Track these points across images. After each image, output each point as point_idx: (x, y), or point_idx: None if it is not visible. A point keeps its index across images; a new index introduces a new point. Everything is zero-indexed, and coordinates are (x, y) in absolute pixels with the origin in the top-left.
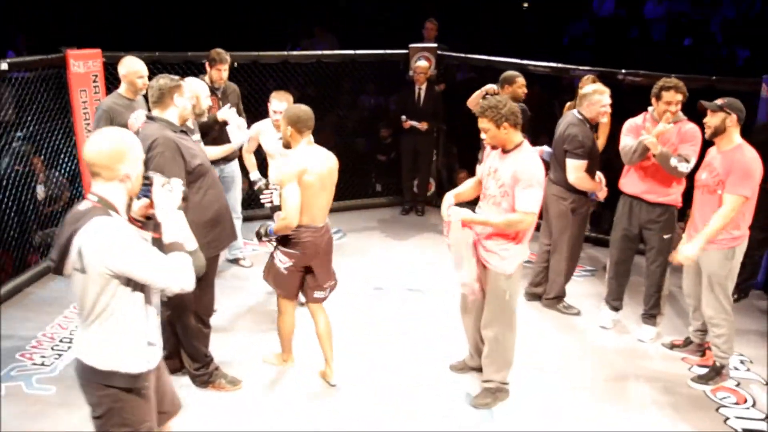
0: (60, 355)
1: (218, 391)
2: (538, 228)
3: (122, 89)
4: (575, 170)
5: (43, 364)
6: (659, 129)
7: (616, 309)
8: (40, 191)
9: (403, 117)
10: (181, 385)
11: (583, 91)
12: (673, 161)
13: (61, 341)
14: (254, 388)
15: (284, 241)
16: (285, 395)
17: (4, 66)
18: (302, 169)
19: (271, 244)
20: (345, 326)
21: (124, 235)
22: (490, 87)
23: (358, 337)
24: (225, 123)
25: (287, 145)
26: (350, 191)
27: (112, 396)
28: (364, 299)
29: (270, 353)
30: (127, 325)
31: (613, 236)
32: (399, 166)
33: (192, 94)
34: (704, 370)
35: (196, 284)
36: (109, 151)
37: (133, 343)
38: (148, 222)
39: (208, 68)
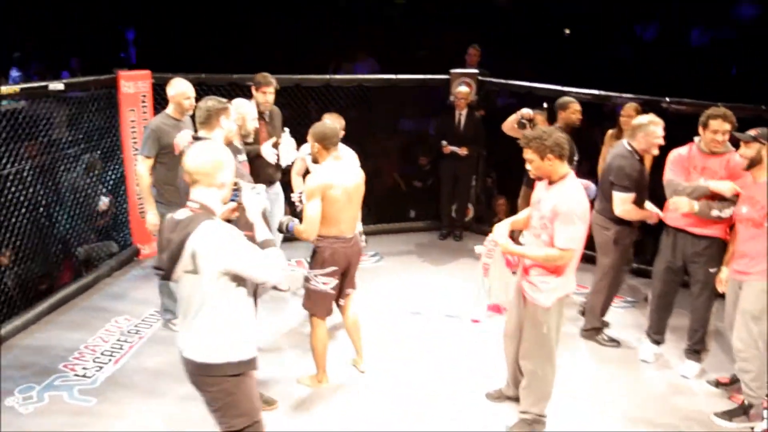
0: (101, 368)
1: None
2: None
3: (170, 110)
4: (621, 203)
5: (84, 376)
6: (718, 188)
7: (658, 343)
8: (104, 202)
9: (444, 142)
10: None
11: (638, 121)
12: (714, 212)
13: (102, 354)
14: (288, 409)
15: (318, 264)
16: (317, 416)
17: (61, 86)
18: (327, 184)
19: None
20: (381, 350)
21: (232, 236)
22: (526, 111)
23: (394, 361)
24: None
25: (315, 161)
26: (388, 215)
27: (227, 388)
28: (401, 323)
29: (305, 375)
30: (236, 317)
31: (656, 268)
32: (437, 191)
33: (238, 116)
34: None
35: None
36: (211, 161)
37: (242, 333)
38: (236, 222)
39: (254, 92)
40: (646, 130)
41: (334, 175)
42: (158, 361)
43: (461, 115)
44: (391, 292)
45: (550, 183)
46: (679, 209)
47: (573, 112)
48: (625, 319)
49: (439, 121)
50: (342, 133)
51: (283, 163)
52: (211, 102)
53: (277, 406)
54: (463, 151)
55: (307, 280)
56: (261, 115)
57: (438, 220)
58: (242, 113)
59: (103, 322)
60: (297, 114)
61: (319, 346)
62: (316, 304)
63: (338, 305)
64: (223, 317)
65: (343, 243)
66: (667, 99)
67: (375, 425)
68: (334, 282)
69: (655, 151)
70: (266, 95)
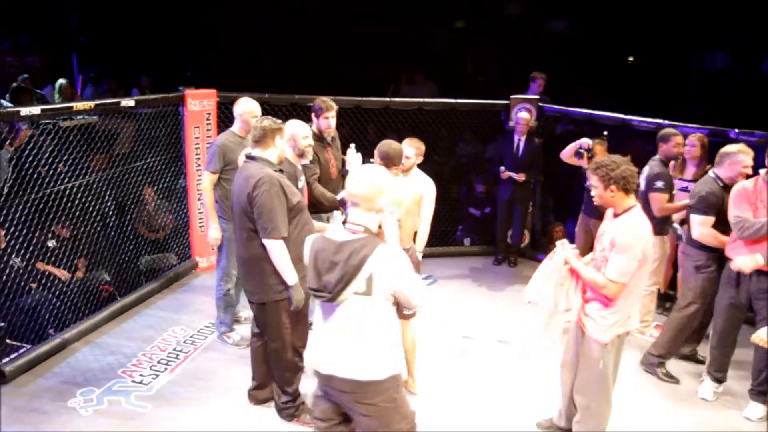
0: (157, 376)
1: (303, 426)
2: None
3: (235, 127)
4: (699, 225)
5: (141, 383)
6: None
7: (720, 381)
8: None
9: (502, 168)
10: (264, 416)
11: (726, 150)
12: None
13: (158, 362)
14: None
15: None
16: None
17: (132, 103)
18: (400, 199)
19: None
20: (432, 373)
21: (406, 261)
22: (585, 141)
23: (444, 385)
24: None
25: None
26: (443, 239)
27: (388, 397)
28: (452, 347)
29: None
30: (393, 335)
31: (718, 304)
32: (493, 216)
33: (288, 136)
34: None
35: (293, 317)
36: (374, 186)
37: (397, 349)
38: None
39: (314, 119)
40: (734, 158)
41: (403, 191)
42: (212, 371)
43: (520, 140)
44: (444, 315)
45: (615, 215)
46: (743, 270)
47: (675, 145)
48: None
49: (498, 146)
50: (419, 159)
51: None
52: (266, 122)
53: None
54: (520, 177)
55: None
56: (324, 140)
57: (492, 245)
58: (292, 133)
59: (160, 332)
60: (355, 135)
61: (407, 347)
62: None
63: (403, 315)
64: (388, 335)
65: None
66: (736, 130)
67: None
68: None
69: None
70: (329, 120)
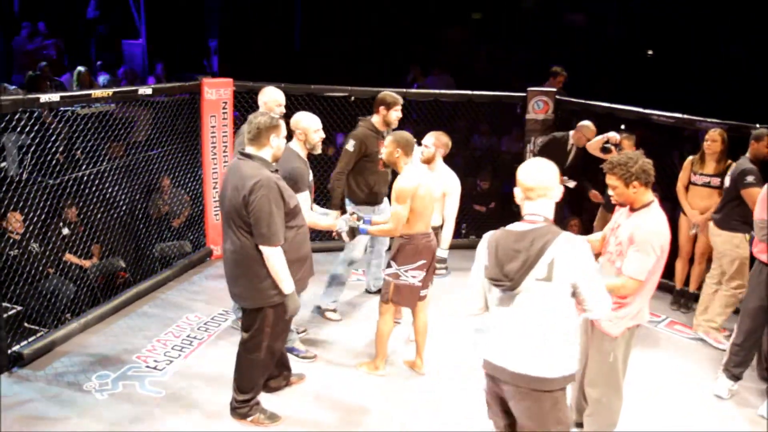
0: (171, 361)
1: (256, 426)
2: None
3: (377, 121)
4: (748, 197)
5: (155, 368)
6: None
7: (737, 378)
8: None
9: (565, 178)
10: (276, 403)
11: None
12: None
13: (173, 348)
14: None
15: (407, 259)
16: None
17: (149, 91)
18: (418, 185)
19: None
20: (442, 366)
21: (589, 255)
22: (613, 135)
23: (455, 378)
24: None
25: (394, 164)
26: (456, 229)
27: (552, 398)
28: (463, 339)
29: (365, 361)
30: (572, 332)
31: (747, 305)
32: (499, 211)
33: (300, 131)
34: None
35: (280, 324)
36: (552, 175)
37: (573, 349)
38: None
39: (384, 111)
40: None
41: (421, 177)
42: (225, 358)
43: (572, 147)
44: (456, 307)
45: (632, 210)
46: None
47: (767, 145)
48: (701, 352)
49: (545, 148)
50: (441, 151)
51: None
52: (261, 118)
53: (280, 422)
54: (573, 183)
55: (395, 276)
56: (380, 133)
57: None
58: (303, 127)
59: (174, 319)
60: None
61: (385, 333)
62: (407, 297)
63: (420, 298)
64: (566, 330)
65: (426, 238)
66: (758, 125)
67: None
68: (422, 274)
69: None
70: (399, 112)
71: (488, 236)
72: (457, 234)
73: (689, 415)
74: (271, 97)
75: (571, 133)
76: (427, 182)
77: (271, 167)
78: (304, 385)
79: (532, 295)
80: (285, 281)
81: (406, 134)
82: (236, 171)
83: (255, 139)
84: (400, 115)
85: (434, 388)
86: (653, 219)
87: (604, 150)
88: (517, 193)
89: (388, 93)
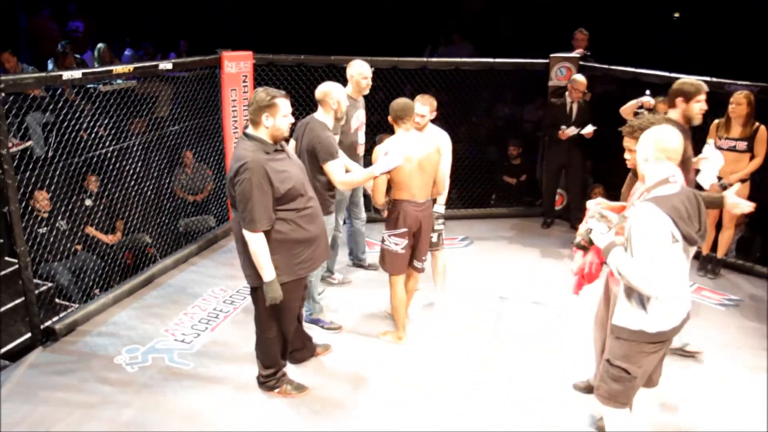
0: (198, 335)
1: (284, 397)
2: None
3: (348, 89)
4: None
5: (183, 341)
6: None
7: None
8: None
9: (563, 127)
10: (300, 374)
11: None
12: None
13: (199, 321)
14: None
15: (391, 225)
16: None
17: (170, 66)
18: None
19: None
20: (466, 335)
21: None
22: (647, 100)
23: (478, 347)
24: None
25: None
26: (479, 201)
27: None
28: (487, 308)
29: (387, 330)
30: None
31: None
32: (529, 184)
33: (333, 100)
34: None
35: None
36: (681, 141)
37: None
38: None
39: (684, 104)
40: None
41: (399, 146)
42: (251, 330)
43: (573, 103)
44: (480, 276)
45: None
46: None
47: None
48: (722, 320)
49: (549, 109)
50: (433, 114)
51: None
52: (258, 95)
53: (308, 392)
54: (590, 134)
55: (382, 240)
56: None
57: (534, 207)
58: (337, 98)
59: (200, 292)
60: (392, 96)
61: (398, 304)
62: (389, 263)
63: (415, 268)
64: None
65: (414, 206)
66: None
67: (454, 407)
68: (404, 242)
69: None
70: (701, 103)
71: (657, 208)
72: (483, 204)
73: (704, 394)
74: (357, 70)
75: (573, 92)
76: (408, 151)
77: (269, 147)
78: (331, 355)
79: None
80: (264, 268)
81: (399, 101)
82: (235, 151)
83: (252, 118)
84: (704, 107)
85: (464, 368)
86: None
87: (637, 115)
88: (646, 156)
89: (686, 81)
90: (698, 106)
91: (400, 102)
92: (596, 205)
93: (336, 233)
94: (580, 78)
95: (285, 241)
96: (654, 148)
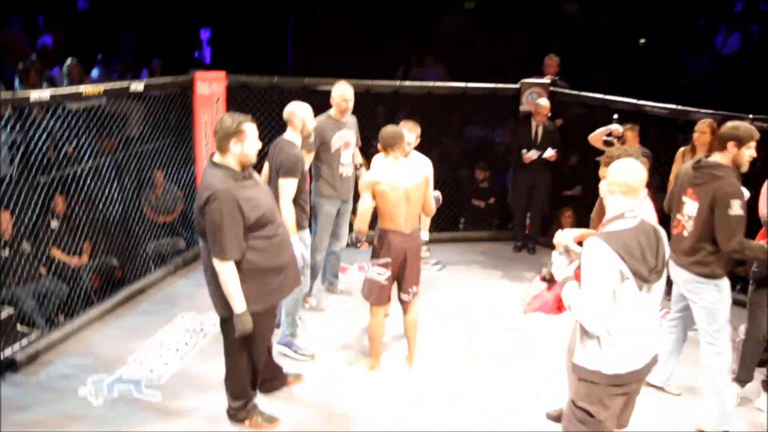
0: (167, 363)
1: (255, 429)
2: None
3: (332, 111)
4: None
5: (152, 371)
6: None
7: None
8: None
9: (524, 150)
10: (277, 405)
11: None
12: None
13: (168, 349)
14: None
15: (375, 254)
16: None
17: (141, 87)
18: (375, 181)
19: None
20: (442, 355)
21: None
22: (615, 128)
23: (454, 366)
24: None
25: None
26: (451, 223)
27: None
28: (459, 333)
29: (356, 358)
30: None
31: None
32: (497, 207)
33: (298, 119)
34: None
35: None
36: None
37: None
38: None
39: (734, 148)
40: None
41: (386, 174)
42: (221, 360)
43: (538, 126)
44: (452, 301)
45: None
46: None
47: None
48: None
49: (515, 133)
50: (416, 141)
51: None
52: (225, 122)
53: (278, 424)
54: (552, 157)
55: (365, 269)
56: None
57: (505, 230)
58: (301, 117)
59: (170, 318)
60: (364, 118)
61: (375, 333)
62: (371, 292)
63: (401, 300)
64: None
65: (400, 237)
66: (751, 116)
67: (434, 420)
68: (387, 273)
69: None
70: (750, 150)
71: (605, 244)
72: (454, 228)
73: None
74: (337, 93)
75: (537, 116)
76: (394, 180)
77: (237, 175)
78: (302, 384)
79: (661, 279)
80: (235, 299)
81: (389, 130)
82: (202, 179)
83: (219, 146)
84: (754, 153)
85: (431, 387)
86: (643, 212)
87: (607, 143)
88: (610, 189)
89: (739, 125)
90: (749, 153)
91: (390, 130)
92: (563, 235)
93: (318, 256)
94: (544, 102)
95: (255, 270)
96: (611, 181)
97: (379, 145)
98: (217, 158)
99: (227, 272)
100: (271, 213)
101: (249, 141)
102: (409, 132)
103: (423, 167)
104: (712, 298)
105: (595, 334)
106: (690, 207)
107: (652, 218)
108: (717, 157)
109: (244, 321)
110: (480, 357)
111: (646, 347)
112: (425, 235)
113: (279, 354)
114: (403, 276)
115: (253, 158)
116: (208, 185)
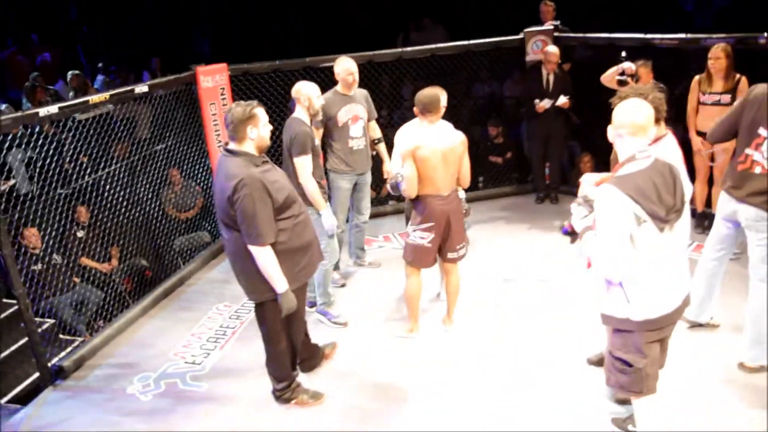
0: (208, 354)
1: (301, 407)
2: None
3: (338, 86)
4: None
5: (194, 363)
6: None
7: None
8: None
9: (537, 101)
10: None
11: None
12: None
13: (208, 340)
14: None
15: (416, 220)
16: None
17: (145, 89)
18: (415, 146)
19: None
20: (472, 319)
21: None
22: (628, 66)
23: (487, 331)
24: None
25: None
26: (471, 182)
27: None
28: (492, 291)
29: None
30: None
31: None
32: (517, 159)
33: (304, 97)
34: None
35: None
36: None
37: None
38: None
39: None
40: None
41: (422, 138)
42: (261, 344)
43: (549, 75)
44: (482, 259)
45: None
46: None
47: None
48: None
49: (526, 83)
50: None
51: None
52: (236, 110)
53: (323, 400)
54: (566, 104)
55: (407, 234)
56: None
57: (526, 183)
58: (305, 94)
59: (205, 310)
60: (370, 89)
61: (413, 296)
62: (414, 255)
63: (448, 260)
64: None
65: (440, 200)
66: (765, 34)
67: (466, 390)
68: (431, 236)
69: None
70: None
71: (617, 189)
72: (474, 187)
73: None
74: (342, 67)
75: (548, 64)
76: (431, 143)
77: (257, 160)
78: (340, 358)
79: (683, 218)
80: (277, 280)
81: (427, 93)
82: (221, 169)
83: (234, 134)
84: None
85: (466, 347)
86: (663, 151)
87: (620, 83)
88: (618, 132)
89: None
90: None
91: (428, 94)
92: (585, 183)
93: (338, 231)
94: (553, 49)
95: (287, 251)
96: (617, 124)
97: (415, 109)
98: (233, 146)
99: (267, 256)
100: (293, 193)
101: (262, 124)
102: (443, 94)
103: (457, 133)
104: None
105: (616, 282)
106: None
107: (675, 153)
108: None
109: (289, 299)
110: (512, 312)
111: (675, 289)
112: (462, 193)
113: (316, 321)
114: (449, 236)
115: (268, 141)
116: (232, 174)
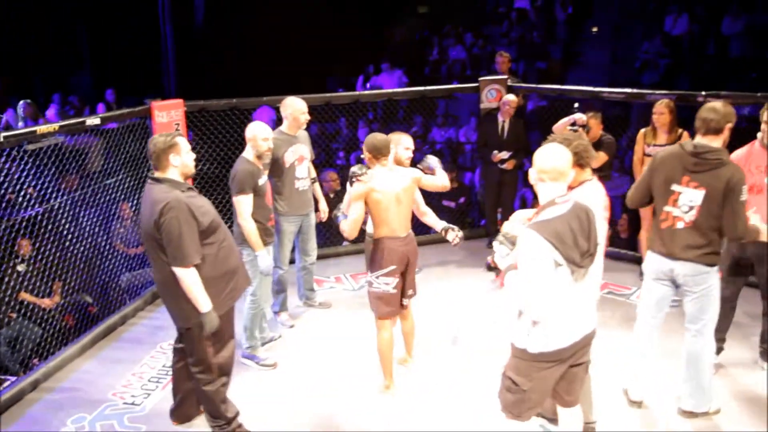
0: (148, 394)
1: None
2: None
3: (284, 126)
4: None
5: (133, 403)
6: None
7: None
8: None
9: (495, 152)
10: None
11: None
12: None
13: (149, 380)
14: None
15: (376, 266)
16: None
17: (97, 121)
18: (368, 189)
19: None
20: (435, 357)
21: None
22: (579, 117)
23: (452, 366)
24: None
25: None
26: (424, 226)
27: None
28: (447, 331)
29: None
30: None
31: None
32: (468, 206)
33: (250, 139)
34: None
35: (218, 341)
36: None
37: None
38: None
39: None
40: None
41: (379, 182)
42: None
43: (505, 122)
44: (434, 300)
45: (570, 188)
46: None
47: None
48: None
49: (481, 130)
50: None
51: None
52: (157, 140)
53: None
54: (509, 165)
55: (369, 284)
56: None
57: (478, 228)
58: (251, 134)
59: (148, 349)
60: (327, 129)
61: (386, 349)
62: (382, 305)
63: (401, 306)
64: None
65: (398, 242)
66: (703, 93)
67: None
68: (395, 281)
69: None
70: None
71: (537, 234)
72: (426, 230)
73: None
74: (296, 107)
75: (504, 110)
76: (385, 186)
77: (182, 186)
78: (293, 399)
79: (597, 260)
80: (200, 299)
81: (379, 137)
82: (147, 196)
83: (158, 163)
84: None
85: (429, 383)
86: (584, 195)
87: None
88: (539, 176)
89: (729, 106)
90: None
91: (380, 138)
92: (514, 219)
93: (279, 270)
94: (512, 97)
95: (210, 279)
96: (539, 169)
97: (367, 154)
98: (158, 174)
99: (191, 277)
100: (218, 218)
101: (185, 151)
102: (407, 138)
103: (409, 171)
104: (715, 284)
105: (534, 319)
106: (690, 196)
107: (597, 199)
108: (713, 142)
109: (212, 319)
110: (474, 348)
111: (577, 326)
112: (439, 224)
113: (242, 365)
114: (405, 280)
115: (192, 168)
116: (157, 199)
